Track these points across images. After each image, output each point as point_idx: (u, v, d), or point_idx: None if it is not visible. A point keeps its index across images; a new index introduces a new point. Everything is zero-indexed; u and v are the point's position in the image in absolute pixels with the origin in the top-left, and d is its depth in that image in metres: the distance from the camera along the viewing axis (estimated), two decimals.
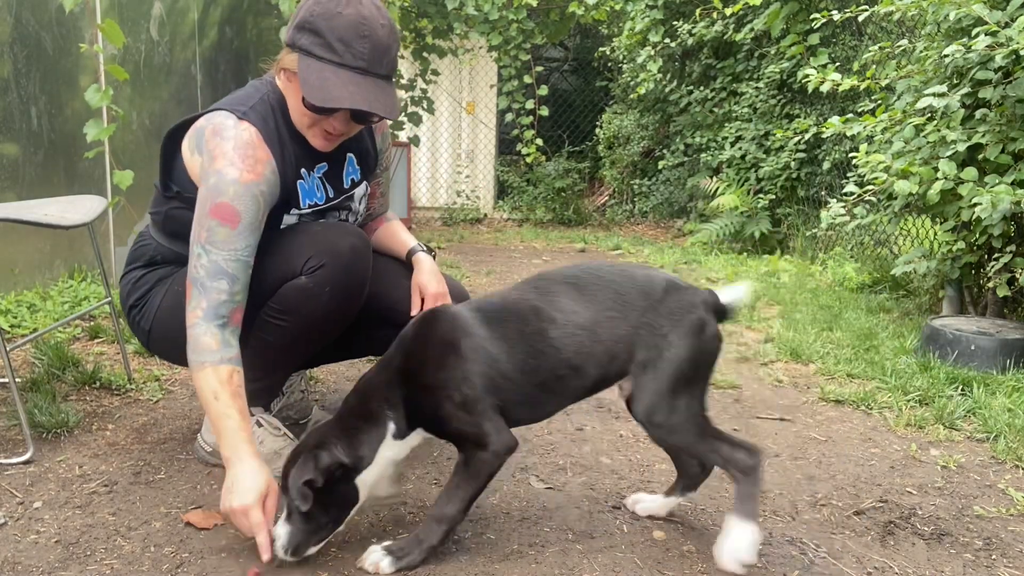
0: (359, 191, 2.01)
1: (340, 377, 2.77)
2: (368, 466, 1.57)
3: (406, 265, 2.09)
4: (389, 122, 2.13)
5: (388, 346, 1.79)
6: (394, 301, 2.02)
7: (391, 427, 1.58)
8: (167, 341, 1.94)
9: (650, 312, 1.56)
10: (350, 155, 1.98)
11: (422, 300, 2.02)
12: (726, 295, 1.64)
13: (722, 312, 1.63)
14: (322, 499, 1.51)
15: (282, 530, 1.53)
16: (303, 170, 1.86)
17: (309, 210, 1.89)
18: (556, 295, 1.60)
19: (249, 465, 1.59)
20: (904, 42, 3.79)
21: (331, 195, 1.94)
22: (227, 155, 1.71)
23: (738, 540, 1.52)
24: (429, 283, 2.02)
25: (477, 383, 1.55)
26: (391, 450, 1.60)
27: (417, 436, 1.63)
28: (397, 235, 2.16)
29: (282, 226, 1.87)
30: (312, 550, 1.57)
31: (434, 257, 2.11)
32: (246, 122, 1.75)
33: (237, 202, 1.69)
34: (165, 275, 1.95)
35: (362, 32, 1.65)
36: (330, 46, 1.64)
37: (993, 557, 1.70)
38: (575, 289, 1.60)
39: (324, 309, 1.81)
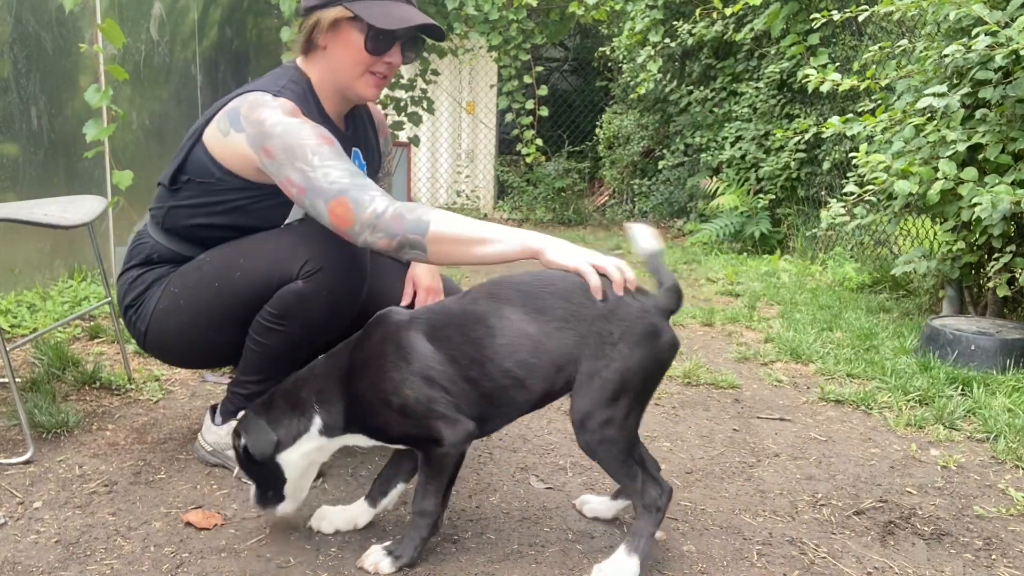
0: None
1: None
2: (285, 451, 1.59)
3: (405, 265, 2.09)
4: (390, 127, 2.16)
5: None
6: (392, 301, 2.02)
7: (317, 421, 1.58)
8: (163, 342, 1.94)
9: (600, 321, 1.51)
10: (356, 149, 2.00)
11: (415, 294, 2.03)
12: (639, 241, 1.67)
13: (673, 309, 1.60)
14: (253, 468, 1.60)
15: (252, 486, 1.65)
16: None
17: None
18: (505, 303, 1.54)
19: (551, 239, 1.59)
20: (904, 42, 3.79)
21: None
22: (278, 115, 1.72)
23: (616, 571, 1.51)
24: (423, 277, 2.03)
25: (419, 384, 1.52)
26: (315, 442, 1.60)
27: (357, 438, 1.62)
28: None
29: (289, 216, 1.87)
30: (282, 509, 1.65)
31: None
32: (283, 99, 1.77)
33: (317, 129, 1.71)
34: (162, 275, 1.94)
35: None
36: None
37: (993, 557, 1.70)
38: (525, 297, 1.54)
39: (322, 313, 1.80)
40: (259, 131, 1.72)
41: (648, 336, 1.51)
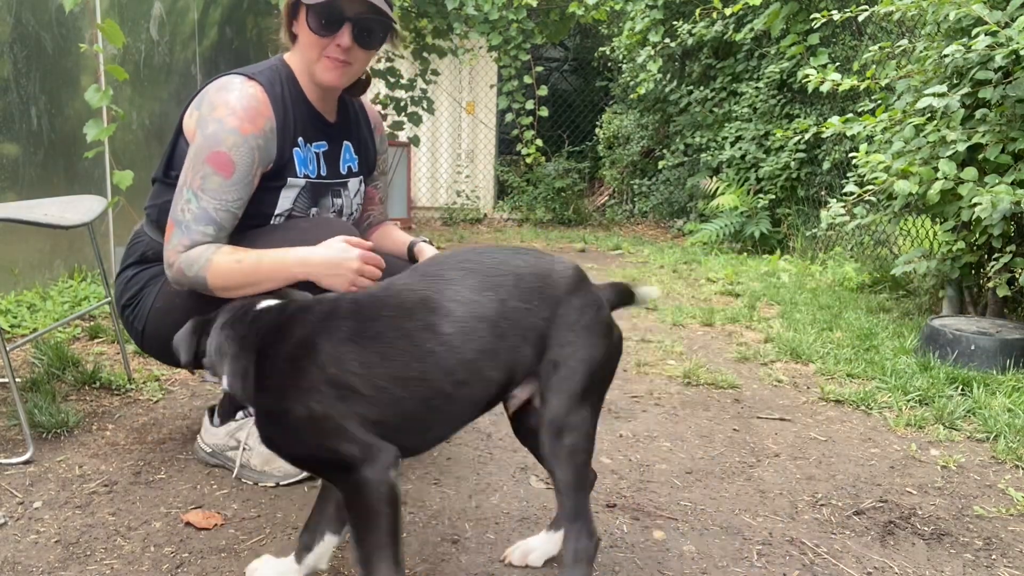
0: (354, 184, 2.02)
1: None
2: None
3: (408, 262, 2.09)
4: (387, 126, 2.16)
5: None
6: None
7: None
8: (160, 341, 1.93)
9: (563, 304, 1.33)
10: (347, 143, 2.01)
11: None
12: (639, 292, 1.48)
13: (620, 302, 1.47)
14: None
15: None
16: (300, 139, 1.88)
17: (303, 180, 1.88)
18: (451, 282, 1.31)
19: (318, 248, 1.70)
20: (904, 42, 3.79)
21: (324, 173, 1.95)
22: (230, 105, 1.75)
23: None
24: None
25: (329, 395, 1.24)
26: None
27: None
28: (393, 234, 2.18)
29: (278, 203, 1.87)
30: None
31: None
32: (254, 81, 1.81)
33: (234, 152, 1.73)
34: (157, 273, 1.93)
35: None
36: None
37: (993, 557, 1.70)
38: (473, 275, 1.32)
39: None
40: (205, 115, 1.77)
41: (607, 329, 1.39)
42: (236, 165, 1.73)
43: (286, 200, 1.88)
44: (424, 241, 2.09)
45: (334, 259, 1.68)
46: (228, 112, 1.74)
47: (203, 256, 1.70)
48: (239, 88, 1.78)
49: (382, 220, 2.22)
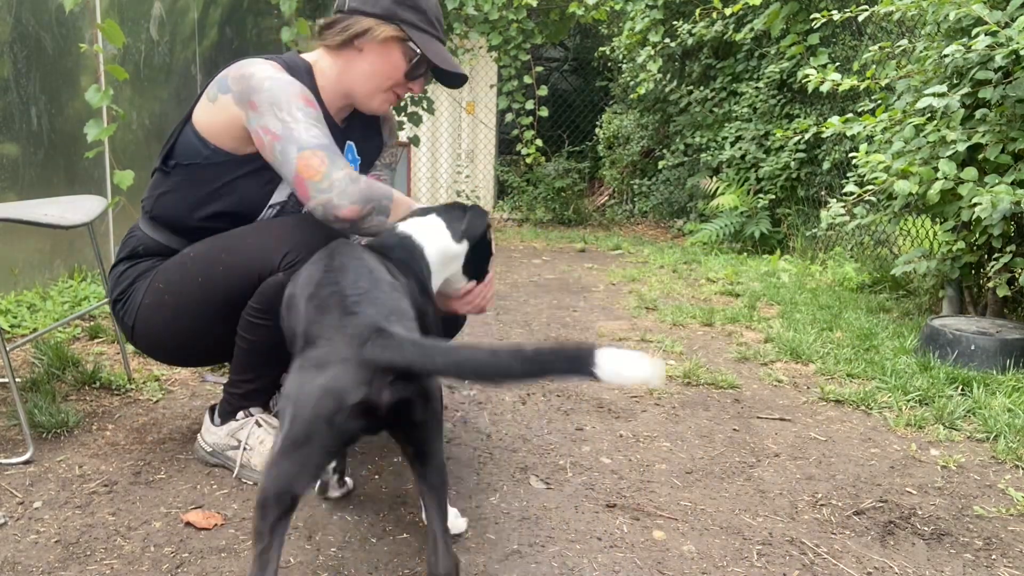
0: None
1: None
2: None
3: None
4: (394, 119, 2.20)
5: None
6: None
7: None
8: (150, 338, 1.94)
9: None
10: (350, 143, 2.00)
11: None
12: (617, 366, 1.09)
13: None
14: None
15: None
16: None
17: None
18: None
19: None
20: (904, 42, 3.79)
21: None
22: (267, 70, 1.77)
23: None
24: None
25: None
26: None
27: None
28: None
29: (274, 194, 1.86)
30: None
31: None
32: (272, 61, 1.83)
33: (304, 92, 1.77)
34: (147, 269, 1.92)
35: (439, 13, 1.94)
36: (431, 22, 1.90)
37: (993, 557, 1.70)
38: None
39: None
40: (246, 86, 1.75)
41: None
42: (314, 103, 1.78)
43: (281, 193, 1.88)
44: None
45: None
46: (272, 71, 1.77)
47: (388, 191, 1.74)
48: (262, 64, 1.80)
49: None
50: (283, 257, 1.74)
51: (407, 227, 1.68)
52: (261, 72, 1.76)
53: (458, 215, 1.73)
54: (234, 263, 1.77)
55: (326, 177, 1.65)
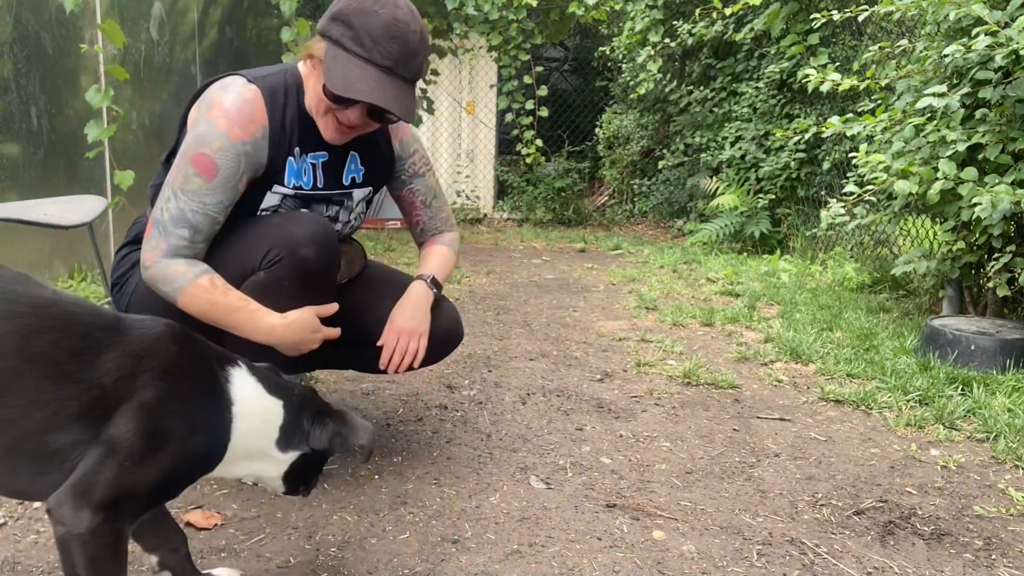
0: (359, 193, 1.99)
1: (340, 377, 2.77)
2: None
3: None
4: (409, 129, 2.07)
5: (371, 364, 1.87)
6: (374, 321, 1.95)
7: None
8: None
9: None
10: (353, 153, 1.94)
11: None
12: None
13: None
14: None
15: None
16: (297, 149, 1.84)
17: (292, 192, 1.85)
18: None
19: (289, 324, 1.73)
20: (904, 42, 3.79)
21: (321, 184, 1.90)
22: (224, 107, 1.74)
23: None
24: (398, 315, 1.94)
25: None
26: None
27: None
28: (425, 261, 2.08)
29: (261, 206, 1.85)
30: None
31: (437, 291, 2.01)
32: (254, 85, 1.78)
33: (219, 156, 1.71)
34: None
35: (393, 33, 1.67)
36: (360, 41, 1.67)
37: (993, 557, 1.70)
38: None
39: (286, 304, 1.75)
40: (201, 114, 1.77)
41: None
42: (219, 169, 1.71)
43: (274, 199, 1.87)
44: (425, 280, 1.99)
45: (297, 340, 1.75)
46: (221, 114, 1.73)
47: (182, 279, 1.69)
48: (237, 91, 1.76)
49: (436, 229, 2.13)
50: (264, 255, 1.75)
51: (241, 389, 1.34)
52: (217, 109, 1.74)
53: (312, 416, 1.39)
54: (221, 261, 1.77)
55: (145, 244, 1.74)
